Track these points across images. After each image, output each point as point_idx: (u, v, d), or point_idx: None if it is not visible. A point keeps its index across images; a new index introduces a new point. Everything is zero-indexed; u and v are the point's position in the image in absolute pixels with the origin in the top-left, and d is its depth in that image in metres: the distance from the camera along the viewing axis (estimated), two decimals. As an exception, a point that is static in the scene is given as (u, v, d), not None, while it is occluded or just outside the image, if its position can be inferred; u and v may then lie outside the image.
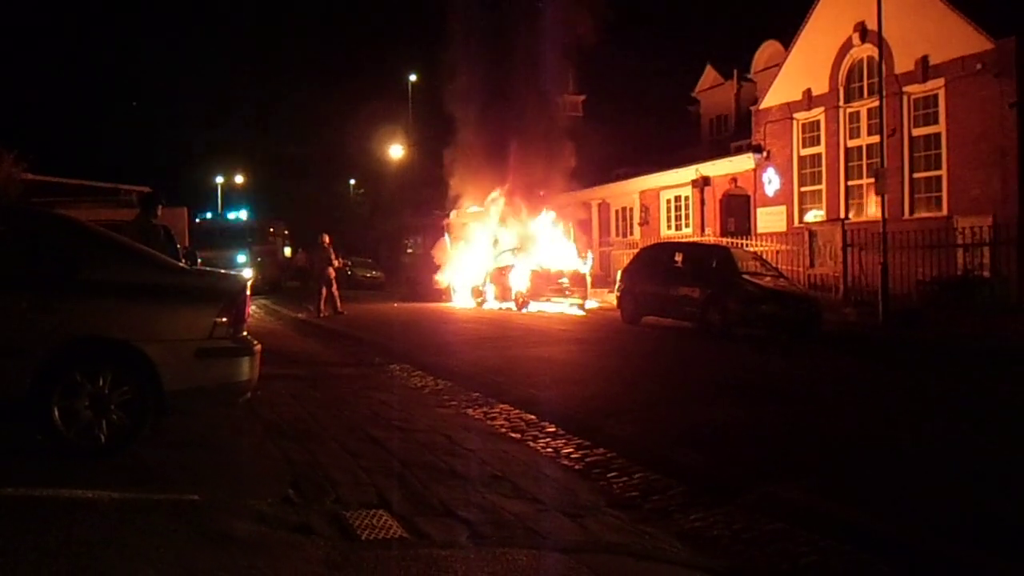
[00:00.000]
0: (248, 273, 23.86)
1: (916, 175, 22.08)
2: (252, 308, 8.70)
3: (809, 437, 7.60)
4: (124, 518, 4.64)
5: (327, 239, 21.64)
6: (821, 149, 25.25)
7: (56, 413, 5.73)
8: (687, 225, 31.12)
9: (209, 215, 38.97)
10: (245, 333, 6.53)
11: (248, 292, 6.71)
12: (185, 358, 6.06)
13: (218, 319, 6.21)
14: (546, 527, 4.84)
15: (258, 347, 6.59)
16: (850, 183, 24.31)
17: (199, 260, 20.32)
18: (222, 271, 8.02)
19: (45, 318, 5.79)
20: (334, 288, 21.18)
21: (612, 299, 21.90)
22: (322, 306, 20.86)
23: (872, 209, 22.59)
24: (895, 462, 6.68)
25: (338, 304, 21.14)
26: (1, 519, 4.50)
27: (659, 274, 18.79)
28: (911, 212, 22.03)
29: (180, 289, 6.35)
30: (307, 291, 24.24)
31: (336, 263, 21.68)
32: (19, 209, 9.36)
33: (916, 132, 22.05)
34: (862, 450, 7.11)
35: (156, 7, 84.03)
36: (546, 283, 23.62)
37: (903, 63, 21.76)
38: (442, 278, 28.16)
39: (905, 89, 21.93)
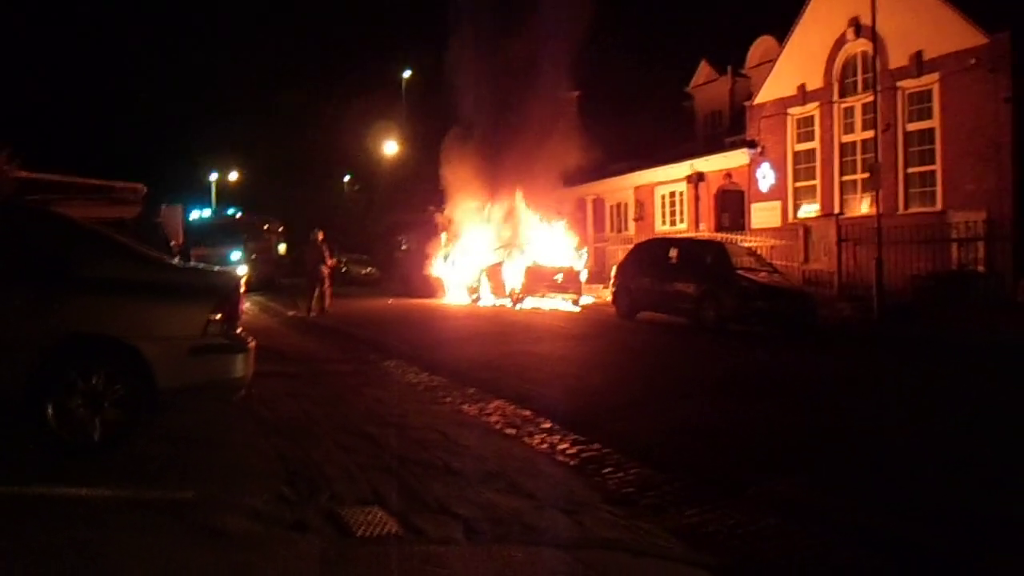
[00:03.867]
0: (242, 270, 23.82)
1: (910, 170, 22.08)
2: (246, 305, 8.68)
3: (805, 432, 7.61)
4: (118, 515, 4.64)
5: (320, 235, 21.45)
6: (815, 144, 25.24)
7: (50, 411, 5.71)
8: (682, 220, 31.09)
9: (204, 212, 38.80)
10: (239, 330, 6.52)
11: (242, 289, 6.69)
12: (179, 355, 6.05)
13: (212, 316, 6.20)
14: (542, 523, 4.84)
15: (252, 344, 6.58)
16: (844, 178, 24.30)
17: (191, 257, 20.25)
18: (216, 268, 8.00)
19: (38, 316, 5.77)
20: (327, 285, 21.01)
21: (607, 295, 21.87)
22: (313, 304, 20.72)
23: (866, 204, 22.60)
24: (890, 457, 6.69)
25: (327, 302, 20.94)
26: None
27: (654, 270, 18.76)
28: (905, 207, 22.04)
29: (174, 286, 6.34)
30: (300, 288, 24.13)
31: (329, 261, 21.50)
32: (10, 206, 9.31)
33: (910, 127, 22.05)
34: (858, 445, 7.11)
35: (147, 3, 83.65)
36: (541, 279, 23.56)
37: (897, 58, 21.76)
38: (436, 274, 28.10)
39: (899, 84, 21.94)
